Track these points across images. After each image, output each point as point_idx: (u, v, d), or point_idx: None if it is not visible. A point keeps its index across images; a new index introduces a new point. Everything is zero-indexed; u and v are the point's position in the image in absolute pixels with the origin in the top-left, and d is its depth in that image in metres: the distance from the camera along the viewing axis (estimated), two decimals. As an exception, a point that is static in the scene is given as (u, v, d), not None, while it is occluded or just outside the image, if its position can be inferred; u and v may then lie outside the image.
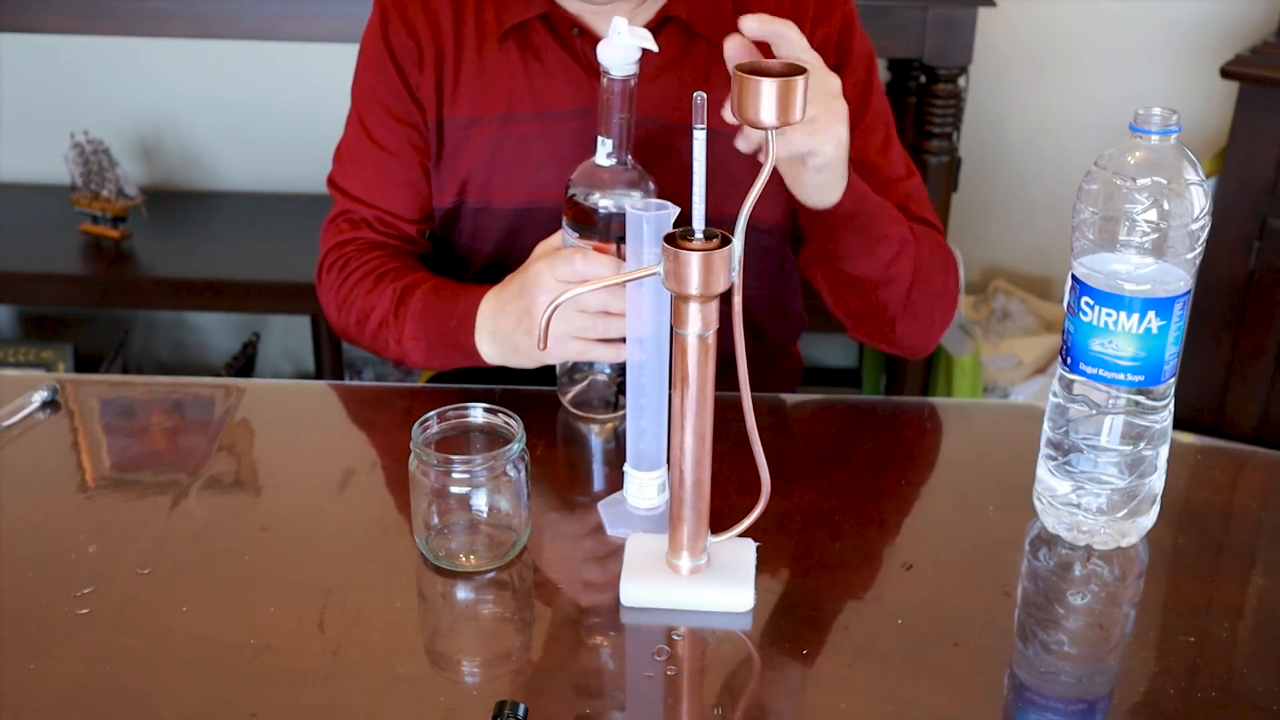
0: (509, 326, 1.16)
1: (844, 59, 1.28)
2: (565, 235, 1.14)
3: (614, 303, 1.10)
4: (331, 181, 1.37)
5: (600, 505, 1.08)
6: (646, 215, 0.98)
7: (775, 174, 1.29)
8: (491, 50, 1.28)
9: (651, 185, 1.13)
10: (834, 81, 1.09)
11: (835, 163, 1.10)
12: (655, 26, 1.26)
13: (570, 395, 1.21)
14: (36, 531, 1.06)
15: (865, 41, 1.31)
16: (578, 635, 0.96)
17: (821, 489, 1.14)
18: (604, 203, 1.11)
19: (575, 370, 1.20)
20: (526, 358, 1.17)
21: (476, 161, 1.31)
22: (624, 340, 1.10)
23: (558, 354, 1.15)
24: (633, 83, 1.09)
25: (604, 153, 1.12)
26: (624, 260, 1.08)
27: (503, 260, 1.33)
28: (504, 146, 1.30)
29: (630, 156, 1.13)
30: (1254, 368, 2.28)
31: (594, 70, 1.27)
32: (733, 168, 1.19)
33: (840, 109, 1.09)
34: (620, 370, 1.19)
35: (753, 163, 1.28)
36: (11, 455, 1.17)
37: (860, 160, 1.25)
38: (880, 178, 1.27)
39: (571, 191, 1.13)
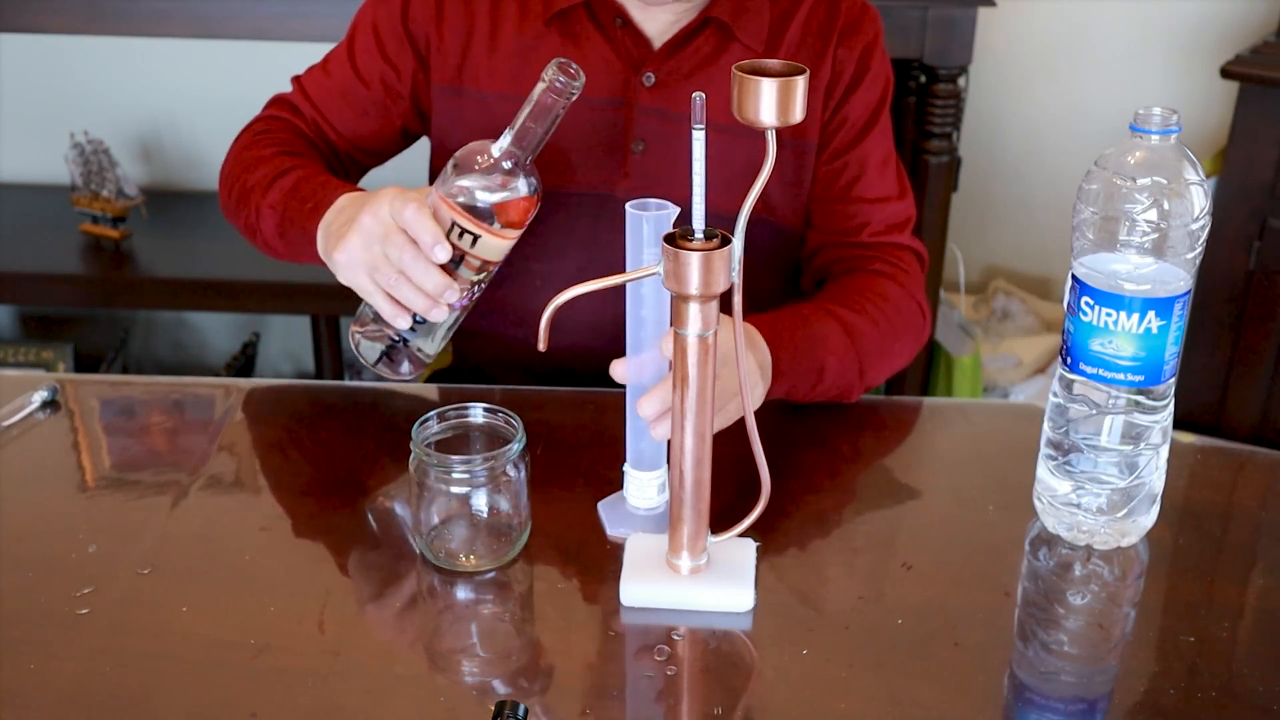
0: (336, 226, 1.13)
1: (861, 76, 1.32)
2: (430, 191, 1.11)
3: (413, 267, 1.06)
4: (297, 79, 1.39)
5: (600, 505, 1.08)
6: (646, 215, 0.98)
7: (804, 178, 1.32)
8: (532, 31, 1.28)
9: (530, 184, 1.10)
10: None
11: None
12: (696, 26, 1.27)
13: (356, 334, 1.17)
14: (36, 531, 1.06)
15: (885, 64, 1.35)
16: (578, 635, 0.96)
17: (821, 489, 1.14)
18: (477, 191, 1.08)
19: (377, 320, 1.15)
20: (330, 261, 1.13)
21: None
22: (413, 315, 1.09)
23: (345, 276, 1.11)
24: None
25: (501, 141, 1.08)
26: (452, 240, 1.07)
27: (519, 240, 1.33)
28: None
29: (528, 159, 1.10)
30: (1254, 368, 2.28)
31: (632, 62, 1.28)
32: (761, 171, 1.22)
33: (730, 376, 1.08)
34: (412, 342, 1.16)
35: (784, 175, 1.32)
36: (11, 455, 1.17)
37: (858, 175, 1.33)
38: (872, 195, 1.33)
39: (452, 163, 1.10)
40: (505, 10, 1.30)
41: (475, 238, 1.08)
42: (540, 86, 1.05)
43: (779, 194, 1.33)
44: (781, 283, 1.41)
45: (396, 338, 1.15)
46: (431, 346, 1.17)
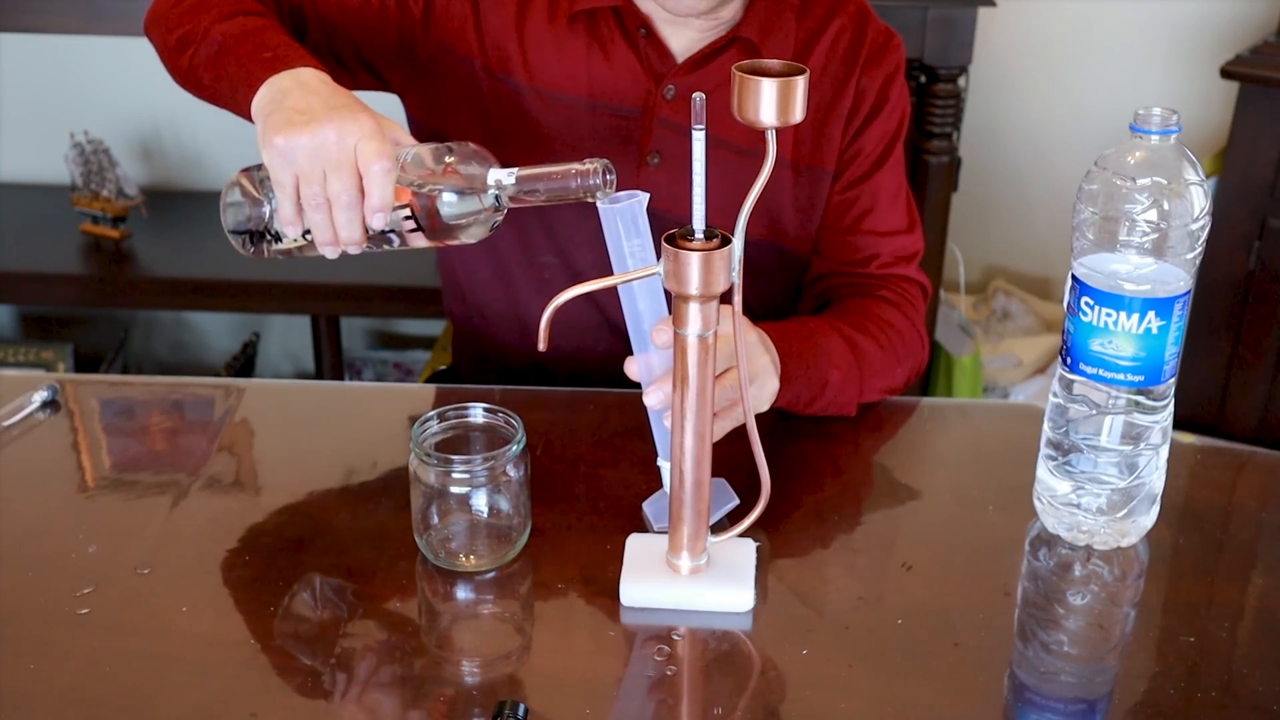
0: (293, 105, 1.02)
1: (880, 106, 1.31)
2: (406, 150, 1.04)
3: (344, 212, 1.00)
4: None
5: (645, 505, 1.07)
6: (617, 208, 0.96)
7: (816, 205, 1.32)
8: (559, 27, 1.27)
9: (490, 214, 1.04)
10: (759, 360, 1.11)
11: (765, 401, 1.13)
12: (723, 45, 1.26)
13: (240, 186, 1.10)
14: (36, 531, 1.06)
15: (904, 95, 1.34)
16: (578, 635, 0.96)
17: (821, 489, 1.14)
18: (447, 194, 1.02)
19: (264, 187, 1.07)
20: (266, 136, 1.02)
21: (520, 129, 1.29)
22: (306, 236, 1.03)
23: (271, 159, 1.01)
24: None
25: (503, 176, 1.01)
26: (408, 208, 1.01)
27: (525, 232, 1.32)
28: (550, 124, 1.28)
29: (509, 203, 1.03)
30: (1254, 368, 2.28)
31: (654, 73, 1.27)
32: (782, 203, 1.28)
33: (759, 369, 1.10)
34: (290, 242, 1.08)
35: (798, 200, 1.32)
36: (11, 455, 1.17)
37: (869, 208, 1.32)
38: (883, 228, 1.33)
39: (449, 151, 1.04)
40: (536, 1, 1.27)
41: (416, 228, 1.04)
42: (575, 166, 0.99)
43: (792, 220, 1.32)
44: (785, 307, 1.40)
45: (272, 231, 1.09)
46: (284, 251, 1.10)
